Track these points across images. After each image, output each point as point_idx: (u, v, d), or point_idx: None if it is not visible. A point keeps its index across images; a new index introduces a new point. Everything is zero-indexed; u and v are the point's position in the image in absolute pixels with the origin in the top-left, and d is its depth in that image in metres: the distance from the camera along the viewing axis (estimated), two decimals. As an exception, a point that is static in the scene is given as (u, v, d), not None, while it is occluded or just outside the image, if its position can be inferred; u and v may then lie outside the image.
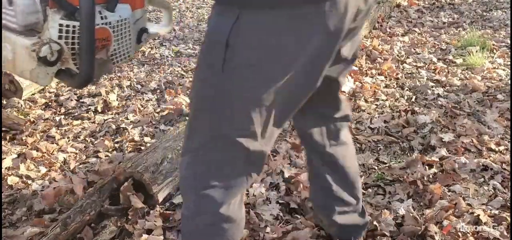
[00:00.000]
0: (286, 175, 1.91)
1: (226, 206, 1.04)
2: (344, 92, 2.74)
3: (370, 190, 1.86)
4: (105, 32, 0.95)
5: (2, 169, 2.06)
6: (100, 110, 2.80)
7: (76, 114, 2.77)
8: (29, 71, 0.94)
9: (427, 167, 1.97)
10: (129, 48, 1.07)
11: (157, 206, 1.73)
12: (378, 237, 1.55)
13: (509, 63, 3.17)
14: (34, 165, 2.14)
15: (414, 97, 2.72)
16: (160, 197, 1.74)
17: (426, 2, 4.84)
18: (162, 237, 1.59)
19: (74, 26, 0.91)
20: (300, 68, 0.93)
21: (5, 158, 2.16)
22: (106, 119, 2.67)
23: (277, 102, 0.96)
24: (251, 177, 1.07)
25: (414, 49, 3.55)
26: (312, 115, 1.25)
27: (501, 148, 2.09)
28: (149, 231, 1.63)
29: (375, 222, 1.57)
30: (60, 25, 0.91)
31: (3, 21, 0.93)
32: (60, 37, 0.92)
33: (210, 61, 0.94)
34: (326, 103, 1.24)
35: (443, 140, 2.15)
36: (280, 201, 1.77)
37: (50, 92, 3.12)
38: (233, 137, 0.98)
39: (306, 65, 0.93)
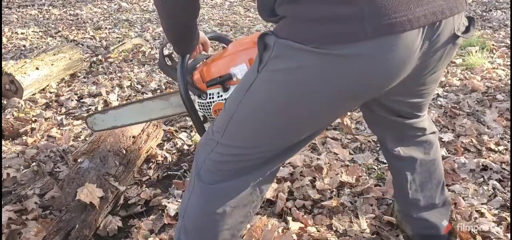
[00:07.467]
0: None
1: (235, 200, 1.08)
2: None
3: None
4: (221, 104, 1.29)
5: (2, 169, 2.06)
6: (100, 110, 2.81)
7: (77, 114, 2.77)
8: None
9: (426, 167, 1.97)
10: None
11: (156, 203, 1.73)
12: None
13: (508, 63, 3.18)
14: (35, 165, 2.14)
15: (414, 97, 2.71)
16: (161, 196, 1.74)
17: (426, 2, 4.84)
18: (162, 234, 1.60)
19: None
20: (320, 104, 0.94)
21: (5, 157, 2.16)
22: (107, 119, 2.67)
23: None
24: (261, 191, 1.12)
25: (414, 49, 3.55)
26: None
27: (501, 148, 2.10)
28: (149, 230, 1.63)
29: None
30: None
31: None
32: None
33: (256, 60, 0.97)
34: None
35: (443, 140, 2.16)
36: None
37: (50, 92, 3.13)
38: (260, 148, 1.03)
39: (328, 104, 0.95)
